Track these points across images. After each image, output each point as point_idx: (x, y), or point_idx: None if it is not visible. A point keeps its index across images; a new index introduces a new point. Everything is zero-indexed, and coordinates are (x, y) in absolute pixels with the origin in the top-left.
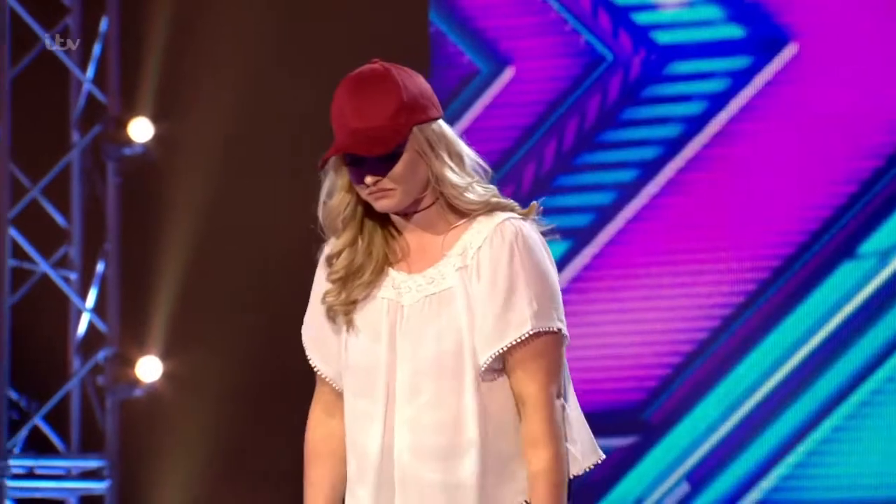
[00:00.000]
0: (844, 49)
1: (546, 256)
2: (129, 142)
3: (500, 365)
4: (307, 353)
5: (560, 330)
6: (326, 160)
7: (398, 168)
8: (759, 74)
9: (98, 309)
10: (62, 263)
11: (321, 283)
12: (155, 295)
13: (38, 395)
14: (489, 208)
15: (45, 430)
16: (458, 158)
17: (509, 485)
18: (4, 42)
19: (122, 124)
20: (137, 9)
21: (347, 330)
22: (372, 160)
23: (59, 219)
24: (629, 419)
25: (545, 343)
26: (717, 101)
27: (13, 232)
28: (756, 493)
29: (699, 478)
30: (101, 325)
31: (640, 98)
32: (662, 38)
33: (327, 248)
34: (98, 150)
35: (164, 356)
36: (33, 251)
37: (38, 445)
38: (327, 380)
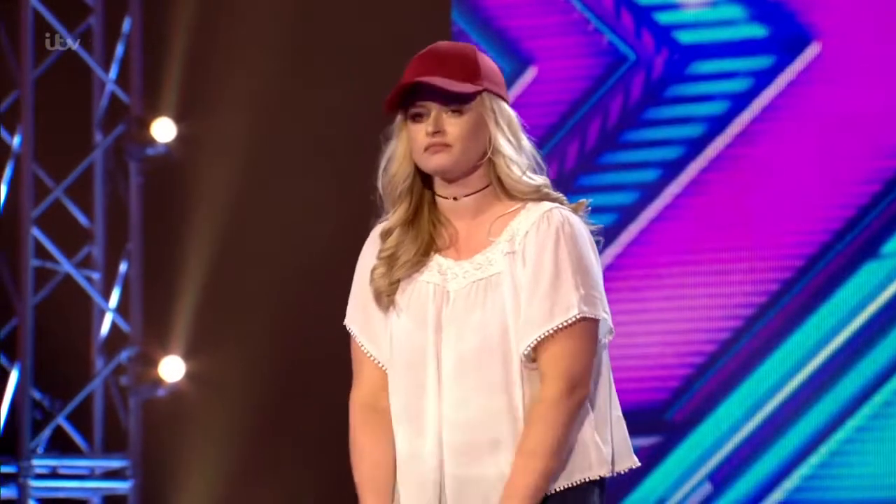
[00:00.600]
0: (867, 48)
1: (591, 249)
2: (151, 142)
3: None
4: (358, 339)
5: (606, 320)
6: (393, 98)
7: (461, 122)
8: (781, 74)
9: (121, 309)
10: (85, 263)
11: (370, 258)
12: (178, 295)
13: (61, 395)
14: (539, 196)
15: (69, 429)
16: (517, 140)
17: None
18: (27, 42)
19: (144, 124)
20: (160, 9)
21: (393, 313)
22: (438, 102)
23: (81, 219)
24: (652, 419)
25: (584, 330)
26: (740, 101)
27: (36, 232)
28: (779, 494)
29: (722, 478)
30: (123, 325)
31: (663, 98)
32: (685, 37)
33: (381, 226)
34: (121, 150)
35: (187, 356)
36: (56, 251)
37: (61, 445)
38: (377, 363)
